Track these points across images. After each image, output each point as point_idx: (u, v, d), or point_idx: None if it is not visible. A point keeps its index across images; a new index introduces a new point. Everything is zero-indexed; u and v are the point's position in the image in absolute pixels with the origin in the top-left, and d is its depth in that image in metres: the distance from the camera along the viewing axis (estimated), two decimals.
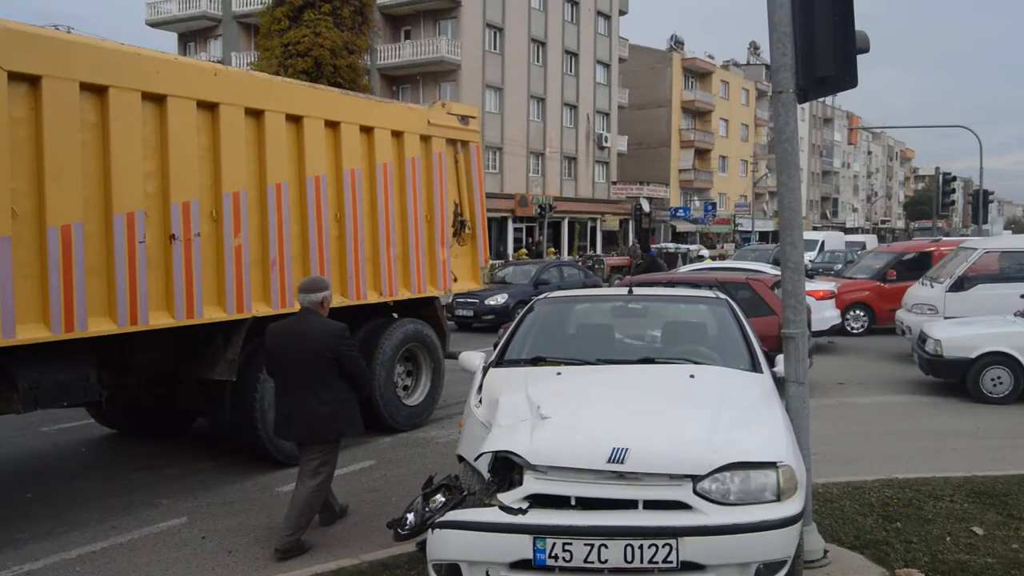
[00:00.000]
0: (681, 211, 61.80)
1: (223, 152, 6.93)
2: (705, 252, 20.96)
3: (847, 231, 70.93)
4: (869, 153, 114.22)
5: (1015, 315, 11.58)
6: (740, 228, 65.69)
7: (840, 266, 22.82)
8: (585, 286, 19.30)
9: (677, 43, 67.18)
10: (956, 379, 10.99)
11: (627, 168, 58.72)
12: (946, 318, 13.26)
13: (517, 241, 45.83)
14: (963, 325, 11.58)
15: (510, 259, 37.73)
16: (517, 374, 5.15)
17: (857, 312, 17.29)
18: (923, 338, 11.54)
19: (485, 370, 5.38)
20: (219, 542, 5.92)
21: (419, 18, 43.78)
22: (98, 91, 6.03)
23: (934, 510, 6.15)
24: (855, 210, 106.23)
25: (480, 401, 4.83)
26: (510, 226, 45.64)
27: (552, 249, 44.55)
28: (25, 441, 8.91)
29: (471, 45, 43.10)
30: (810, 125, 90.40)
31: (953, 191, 32.44)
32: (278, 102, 7.48)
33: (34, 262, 5.67)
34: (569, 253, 46.24)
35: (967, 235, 34.75)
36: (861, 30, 4.68)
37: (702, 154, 67.28)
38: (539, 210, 43.01)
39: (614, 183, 56.01)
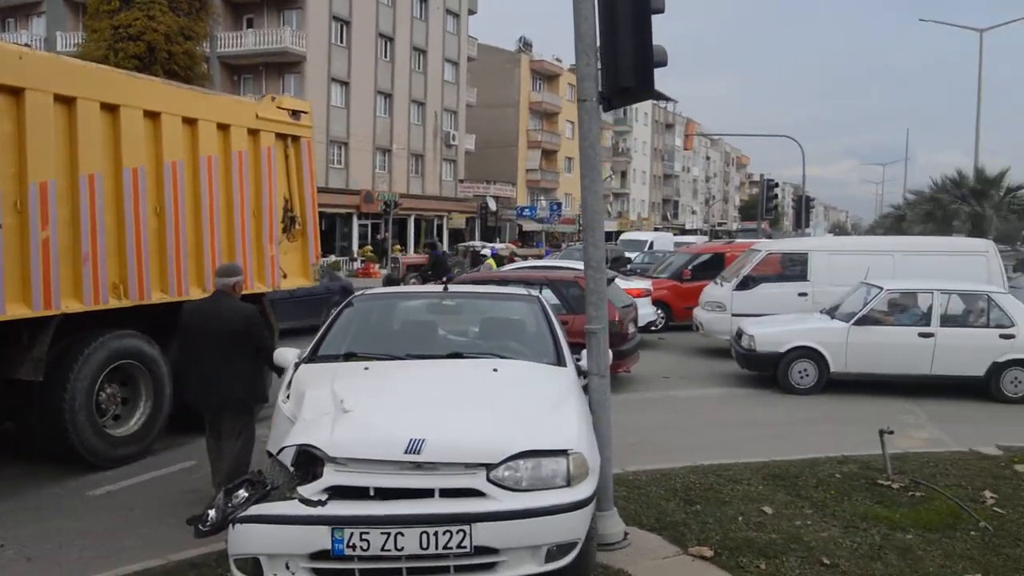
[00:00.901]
0: (527, 210, 62.87)
1: (28, 140, 6.57)
2: (488, 251, 20.69)
3: (686, 232, 74.06)
4: (708, 159, 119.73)
5: (821, 312, 12.50)
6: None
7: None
8: (329, 291, 17.29)
9: (526, 45, 68.23)
10: (768, 372, 11.77)
11: (475, 166, 59.20)
12: (733, 315, 14.20)
13: (363, 237, 45.40)
14: (775, 322, 12.41)
15: (354, 255, 37.34)
16: (326, 370, 5.23)
17: (656, 310, 17.88)
18: (739, 334, 12.30)
19: (297, 366, 5.42)
20: (19, 549, 5.64)
21: (262, 7, 42.57)
22: None
23: (732, 493, 6.61)
24: (694, 212, 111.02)
25: (288, 397, 4.89)
26: (355, 222, 45.11)
27: (398, 246, 44.37)
28: None
29: (317, 37, 42.30)
30: (652, 130, 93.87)
31: (776, 196, 34.71)
32: (92, 90, 7.16)
33: None
34: (415, 250, 46.16)
35: (792, 236, 37.09)
36: (659, 44, 4.99)
37: (549, 155, 68.65)
38: (384, 207, 42.72)
39: (461, 181, 56.36)
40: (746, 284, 14.70)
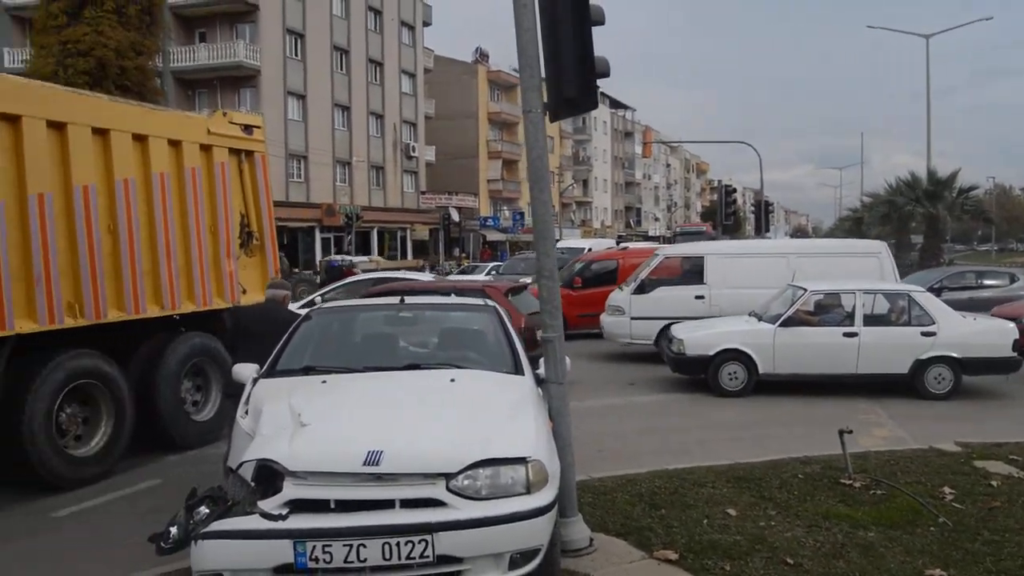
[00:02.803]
0: (491, 220, 62.93)
1: None
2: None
3: (649, 239, 74.45)
4: (668, 166, 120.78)
5: (749, 315, 12.52)
6: None
7: None
8: None
9: (482, 55, 68.36)
10: (698, 375, 11.80)
11: (436, 178, 59.14)
12: (632, 319, 14.46)
13: (326, 251, 45.08)
14: (704, 325, 12.44)
15: (317, 269, 37.04)
16: (283, 384, 5.22)
17: None
18: (670, 338, 12.31)
19: (255, 382, 5.40)
20: None
21: (215, 21, 42.17)
22: None
23: (696, 496, 6.62)
24: (657, 219, 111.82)
25: (246, 412, 4.88)
26: (318, 236, 44.86)
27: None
28: None
29: (271, 50, 42.04)
30: (612, 139, 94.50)
31: (735, 201, 35.18)
32: (36, 107, 7.08)
33: None
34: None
35: (753, 240, 37.26)
36: (602, 56, 5.04)
37: (510, 165, 68.68)
38: (346, 219, 42.52)
39: (423, 193, 56.28)
40: (643, 288, 14.78)
